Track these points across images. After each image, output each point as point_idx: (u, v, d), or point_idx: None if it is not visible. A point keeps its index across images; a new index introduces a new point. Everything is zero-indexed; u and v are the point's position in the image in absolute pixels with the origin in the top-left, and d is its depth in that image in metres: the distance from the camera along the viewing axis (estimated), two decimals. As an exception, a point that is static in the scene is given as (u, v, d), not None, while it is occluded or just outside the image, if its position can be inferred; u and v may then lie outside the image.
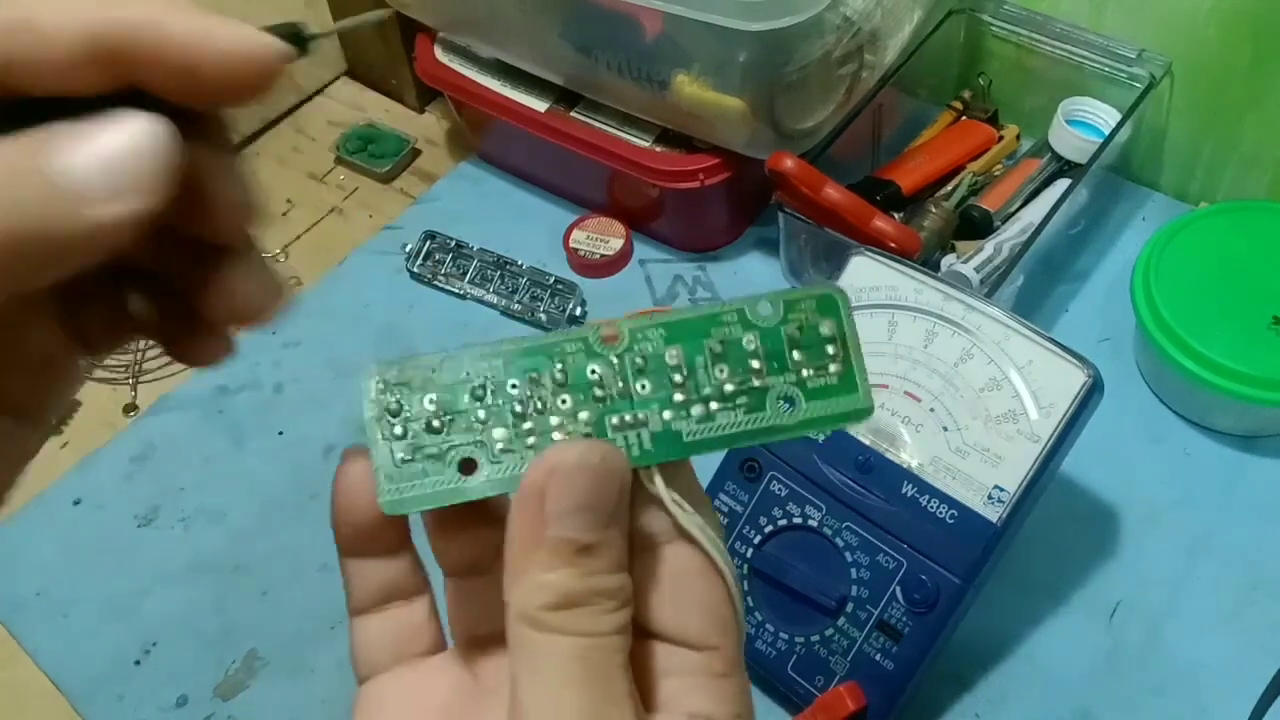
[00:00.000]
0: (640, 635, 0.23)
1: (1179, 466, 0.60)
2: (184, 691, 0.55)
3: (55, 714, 0.55)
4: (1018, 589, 0.55)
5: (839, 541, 0.50)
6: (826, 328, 0.24)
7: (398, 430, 0.23)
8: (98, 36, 0.18)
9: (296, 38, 0.21)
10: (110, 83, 0.19)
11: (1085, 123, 0.70)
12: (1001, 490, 0.48)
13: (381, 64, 0.83)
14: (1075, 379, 0.48)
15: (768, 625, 0.51)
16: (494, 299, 0.70)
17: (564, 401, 0.23)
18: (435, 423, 0.23)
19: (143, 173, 0.18)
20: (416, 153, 0.81)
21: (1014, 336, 0.49)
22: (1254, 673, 0.50)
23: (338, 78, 0.87)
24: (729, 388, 0.24)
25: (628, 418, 0.23)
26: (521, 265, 0.71)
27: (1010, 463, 0.48)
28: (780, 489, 0.51)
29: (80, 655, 0.57)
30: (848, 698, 0.48)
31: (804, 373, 0.24)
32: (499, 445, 0.23)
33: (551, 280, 0.70)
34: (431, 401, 0.23)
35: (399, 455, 0.23)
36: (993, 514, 0.47)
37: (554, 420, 0.23)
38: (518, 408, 0.23)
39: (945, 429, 0.49)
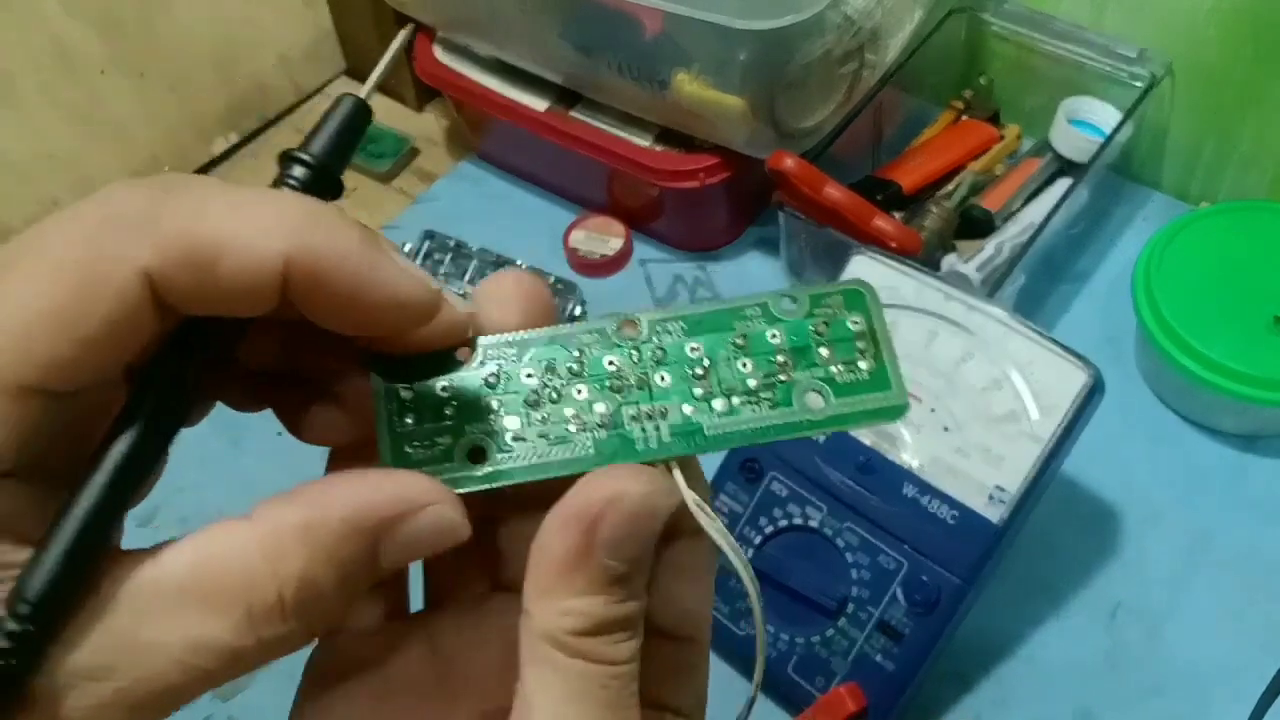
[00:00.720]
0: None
1: (1179, 466, 0.60)
2: (183, 692, 0.55)
3: (54, 714, 0.55)
4: (1018, 589, 0.55)
5: (840, 542, 0.50)
6: (855, 323, 0.23)
7: (408, 419, 0.22)
8: (285, 267, 0.18)
9: None
10: (268, 307, 0.19)
11: (1086, 122, 0.70)
12: (1002, 490, 0.48)
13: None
14: (1076, 379, 0.48)
15: (768, 626, 0.51)
16: (493, 298, 0.70)
17: (579, 392, 0.22)
18: (446, 410, 0.22)
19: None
20: (416, 152, 0.81)
21: (1015, 336, 0.49)
22: (1254, 673, 0.50)
23: (337, 77, 0.87)
24: (753, 382, 0.23)
25: (645, 409, 0.22)
26: (521, 265, 0.71)
27: (1011, 463, 0.48)
28: (781, 490, 0.51)
29: (79, 655, 0.56)
30: (848, 698, 0.48)
31: (832, 368, 0.23)
32: (510, 434, 0.22)
33: (551, 280, 0.70)
34: (444, 389, 0.22)
35: (407, 443, 0.22)
36: (994, 514, 0.47)
37: (569, 411, 0.22)
38: (532, 397, 0.22)
39: (946, 429, 0.49)
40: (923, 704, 0.52)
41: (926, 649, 0.48)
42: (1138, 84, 0.67)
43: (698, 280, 0.72)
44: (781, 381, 0.23)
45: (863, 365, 0.23)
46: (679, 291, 0.71)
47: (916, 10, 0.68)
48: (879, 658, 0.48)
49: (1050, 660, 0.54)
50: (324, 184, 0.22)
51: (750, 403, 0.23)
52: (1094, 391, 0.48)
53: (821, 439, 0.51)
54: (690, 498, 0.22)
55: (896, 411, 0.23)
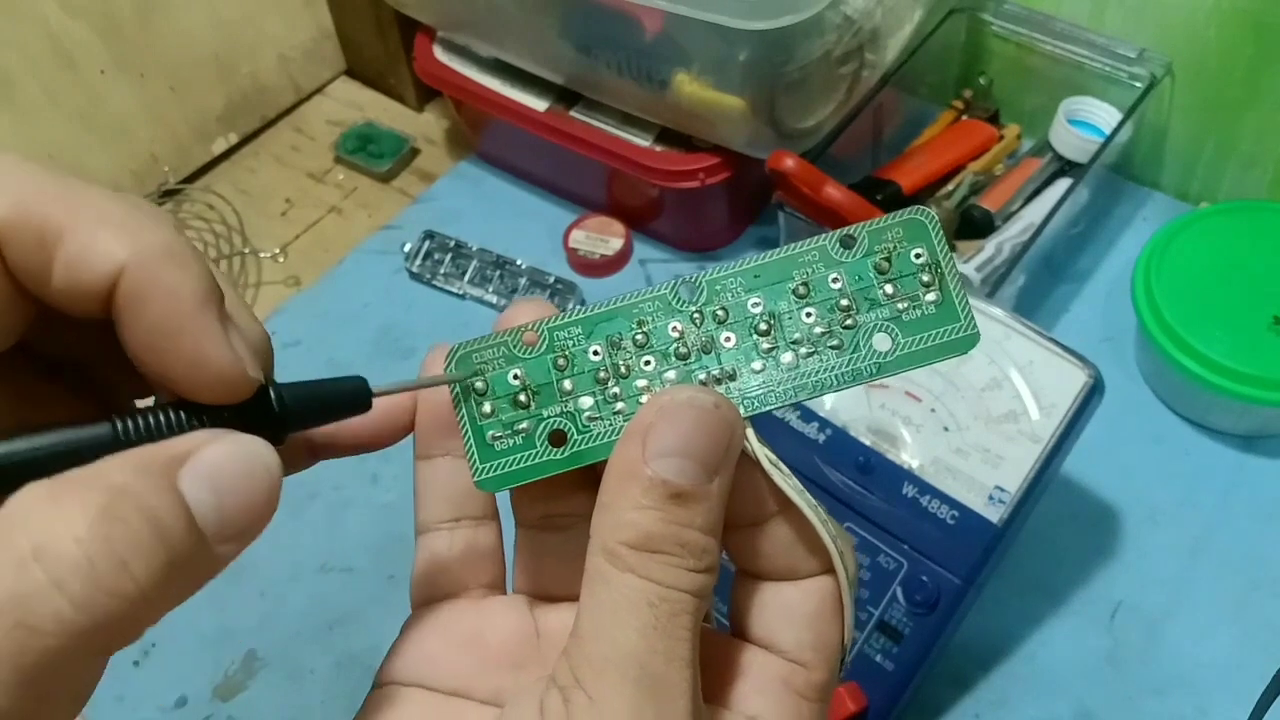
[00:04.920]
0: (733, 633, 0.23)
1: (1179, 466, 0.60)
2: (183, 692, 0.55)
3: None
4: (1018, 589, 0.55)
5: (839, 542, 0.50)
6: (918, 255, 0.22)
7: (485, 408, 0.23)
8: (117, 276, 0.18)
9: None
10: (91, 310, 0.19)
11: (1086, 122, 0.70)
12: (1002, 490, 0.48)
13: (380, 63, 0.83)
14: (1076, 379, 0.48)
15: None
16: (493, 299, 0.70)
17: (648, 363, 0.22)
18: (522, 397, 0.22)
19: (259, 507, 0.18)
20: (415, 152, 0.81)
21: (1015, 336, 0.49)
22: (1254, 673, 0.50)
23: (336, 77, 0.87)
24: (818, 330, 0.22)
25: (715, 372, 0.22)
26: (521, 265, 0.71)
27: (1011, 463, 0.48)
28: (780, 489, 0.51)
29: (79, 655, 0.57)
30: (848, 698, 0.48)
31: (898, 305, 0.22)
32: (586, 414, 0.22)
33: (551, 280, 0.70)
34: (516, 377, 0.23)
35: (489, 433, 0.23)
36: (994, 514, 0.47)
37: (640, 383, 0.22)
38: (602, 374, 0.22)
39: (946, 429, 0.49)
40: (923, 704, 0.52)
41: (926, 649, 0.48)
42: (1138, 84, 0.67)
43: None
44: (847, 327, 0.22)
45: (929, 298, 0.22)
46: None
47: (916, 10, 0.68)
48: (879, 658, 0.48)
49: (1050, 660, 0.54)
50: (267, 419, 0.20)
51: (817, 352, 0.22)
52: (1094, 391, 0.48)
53: (828, 438, 0.51)
54: (762, 453, 0.21)
55: (968, 343, 0.22)
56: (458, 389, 0.23)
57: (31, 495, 0.16)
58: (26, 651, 0.15)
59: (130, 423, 0.19)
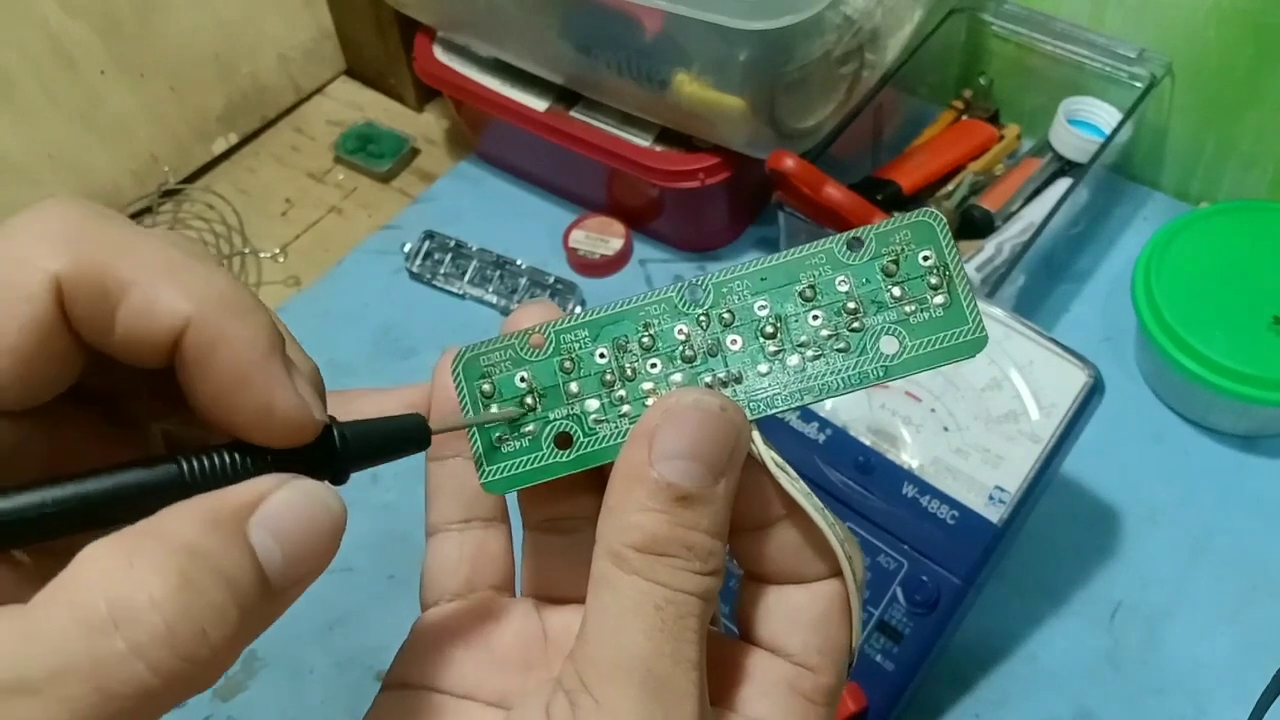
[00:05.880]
0: (741, 637, 0.22)
1: (1179, 466, 0.60)
2: (183, 692, 0.55)
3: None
4: (1018, 589, 0.55)
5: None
6: (926, 257, 0.22)
7: (492, 410, 0.23)
8: (184, 330, 0.18)
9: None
10: (157, 362, 0.19)
11: (1086, 122, 0.70)
12: (1002, 491, 0.48)
13: (380, 63, 0.83)
14: (1076, 379, 0.48)
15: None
16: (493, 299, 0.70)
17: (654, 366, 0.22)
18: (528, 400, 0.23)
19: (324, 551, 0.19)
20: (415, 152, 0.81)
21: (1015, 336, 0.49)
22: (1254, 673, 0.50)
23: (336, 77, 0.87)
24: (825, 333, 0.22)
25: (721, 375, 0.22)
26: (521, 265, 0.71)
27: (1011, 463, 0.48)
28: (780, 489, 0.51)
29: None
30: (848, 698, 0.48)
31: (905, 308, 0.22)
32: (592, 417, 0.22)
33: (551, 280, 0.70)
34: (522, 380, 0.23)
35: (495, 435, 0.23)
36: (994, 514, 0.47)
37: (646, 386, 0.22)
38: (608, 377, 0.22)
39: (946, 429, 0.49)
40: (922, 704, 0.52)
41: (926, 649, 0.48)
42: (1138, 84, 0.67)
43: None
44: (854, 330, 0.22)
45: (937, 301, 0.22)
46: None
47: (916, 10, 0.68)
48: (879, 658, 0.48)
49: (1050, 660, 0.54)
50: (330, 459, 0.20)
51: (824, 355, 0.22)
52: (1094, 391, 0.48)
53: (824, 437, 0.51)
54: (768, 455, 0.21)
55: (976, 346, 0.22)
56: (464, 389, 0.23)
57: (104, 554, 0.16)
58: (104, 714, 0.16)
59: (196, 464, 0.19)
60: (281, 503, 0.18)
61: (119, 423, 0.22)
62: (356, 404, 0.22)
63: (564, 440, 0.22)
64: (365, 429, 0.21)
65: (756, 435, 0.21)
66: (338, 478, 0.20)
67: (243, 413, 0.19)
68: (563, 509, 0.24)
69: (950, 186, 0.70)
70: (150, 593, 0.16)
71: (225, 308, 0.18)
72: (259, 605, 0.18)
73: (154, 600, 0.16)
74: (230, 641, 0.17)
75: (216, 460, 0.19)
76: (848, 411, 0.51)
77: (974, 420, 0.49)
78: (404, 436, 0.21)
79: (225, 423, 0.19)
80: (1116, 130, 0.66)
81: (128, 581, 0.16)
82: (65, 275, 0.18)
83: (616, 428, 0.22)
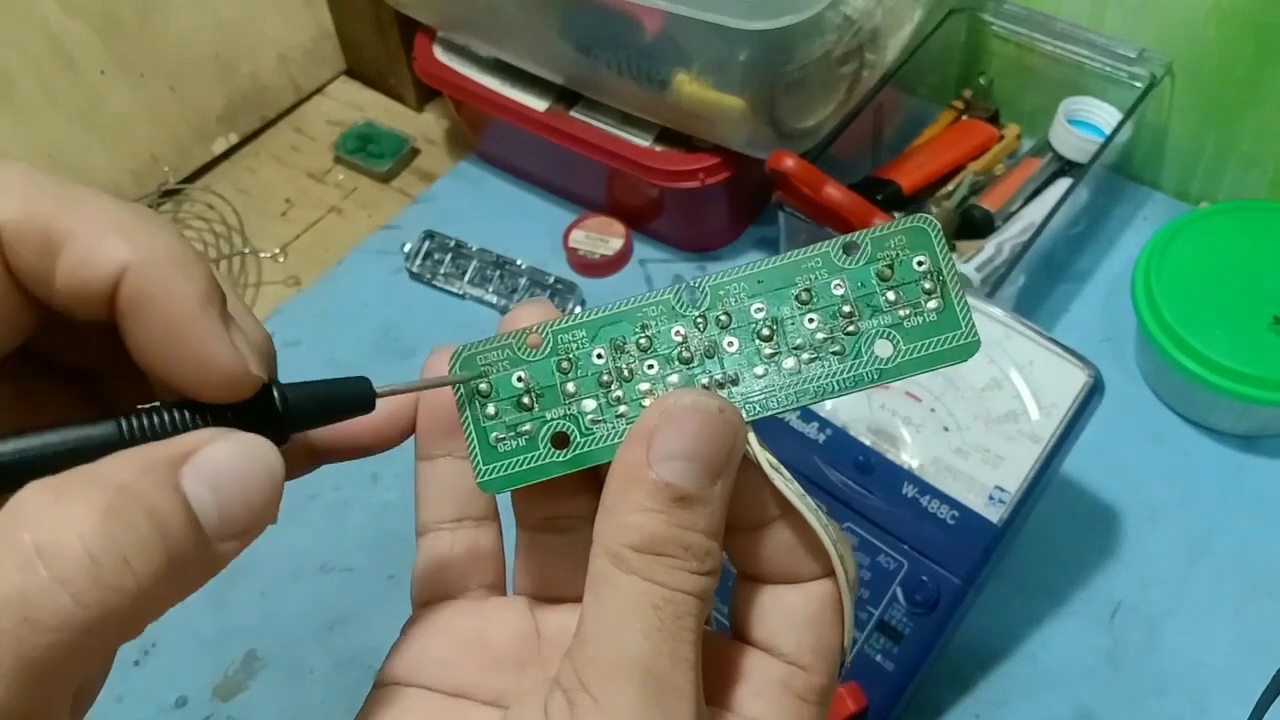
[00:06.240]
0: (735, 637, 0.23)
1: (1179, 466, 0.60)
2: (183, 692, 0.55)
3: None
4: (1018, 589, 0.55)
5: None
6: (920, 262, 0.23)
7: (489, 410, 0.23)
8: (120, 277, 0.18)
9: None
10: (95, 313, 0.19)
11: (1086, 122, 0.70)
12: (1002, 491, 0.48)
13: (380, 63, 0.83)
14: (1076, 379, 0.48)
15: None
16: (493, 299, 0.70)
17: (651, 367, 0.22)
18: (525, 399, 0.23)
19: (260, 506, 0.18)
20: (415, 152, 0.81)
21: (1015, 336, 0.49)
22: (1254, 673, 0.50)
23: (336, 77, 0.87)
24: (820, 336, 0.22)
25: (717, 376, 0.22)
26: (521, 265, 0.71)
27: (1011, 463, 0.48)
28: (780, 489, 0.51)
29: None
30: (848, 699, 0.48)
31: (900, 312, 0.22)
32: (589, 417, 0.22)
33: (551, 280, 0.70)
34: (520, 379, 0.23)
35: (492, 435, 0.23)
36: (994, 514, 0.47)
37: (643, 386, 0.22)
38: (605, 377, 0.23)
39: (946, 429, 0.49)
40: (923, 704, 0.52)
41: (926, 649, 0.48)
42: (1138, 84, 0.67)
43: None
44: (849, 333, 0.22)
45: (930, 305, 0.22)
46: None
47: (916, 10, 0.68)
48: (879, 658, 0.48)
49: (1050, 660, 0.54)
50: (270, 419, 0.20)
51: (819, 358, 0.22)
52: (1094, 391, 0.48)
53: (823, 439, 0.51)
54: (762, 456, 0.22)
55: (968, 351, 0.22)
56: (462, 391, 0.23)
57: (35, 492, 0.17)
58: (30, 646, 0.16)
59: (135, 422, 0.19)
60: (217, 452, 0.18)
61: (94, 403, 0.22)
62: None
63: (561, 440, 0.23)
64: (307, 389, 0.21)
65: (752, 436, 0.22)
66: (279, 438, 0.20)
67: (180, 365, 0.19)
68: (559, 508, 0.24)
69: (950, 186, 0.70)
70: (77, 526, 0.16)
71: (164, 258, 0.18)
72: (191, 551, 0.17)
73: (79, 532, 0.16)
74: (158, 579, 0.17)
75: (156, 419, 0.19)
76: (848, 411, 0.51)
77: (974, 420, 0.49)
78: (348, 399, 0.21)
79: (165, 377, 0.19)
80: (1116, 130, 0.66)
81: (54, 515, 0.16)
82: (7, 223, 0.18)
83: (613, 428, 0.22)
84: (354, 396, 0.21)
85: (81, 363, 0.22)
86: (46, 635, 0.16)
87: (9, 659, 0.15)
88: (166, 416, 0.19)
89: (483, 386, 0.23)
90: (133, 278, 0.18)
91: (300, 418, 0.20)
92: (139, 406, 0.19)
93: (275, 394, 0.20)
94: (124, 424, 0.19)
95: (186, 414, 0.19)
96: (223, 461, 0.18)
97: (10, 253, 0.18)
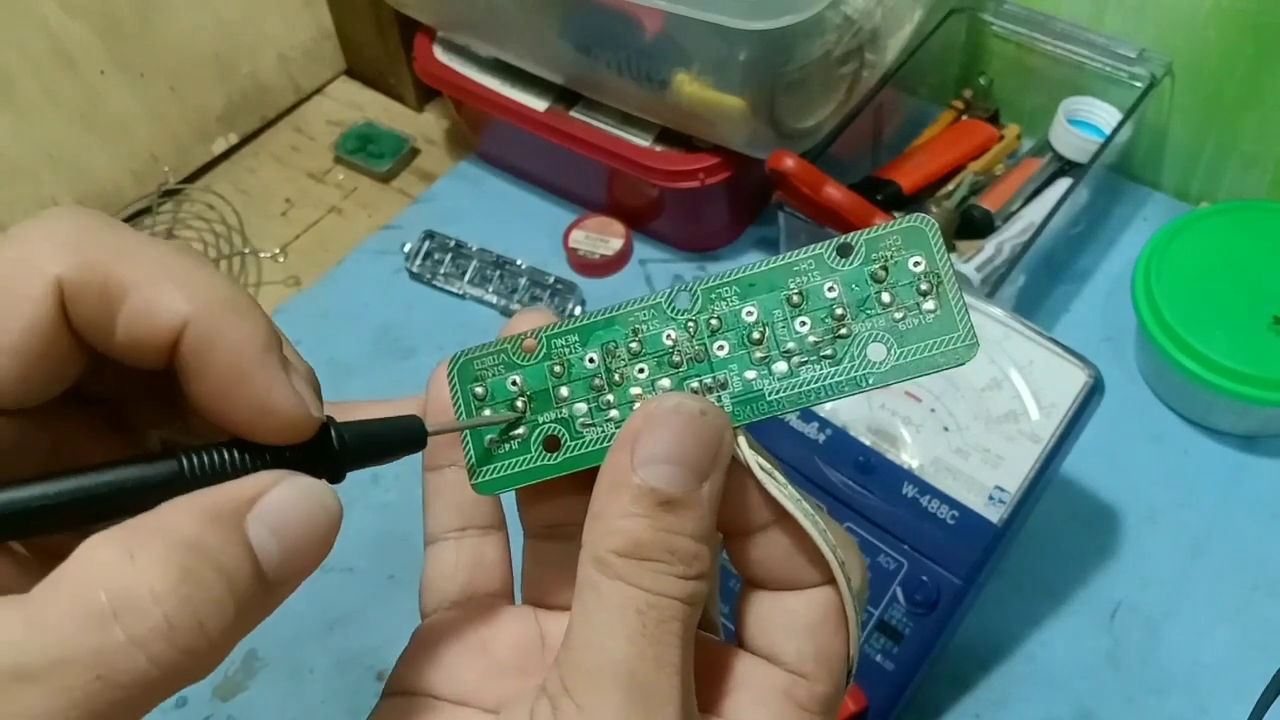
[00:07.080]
0: (737, 643, 0.22)
1: (1179, 466, 0.60)
2: (183, 692, 0.55)
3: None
4: (1018, 589, 0.55)
5: (839, 542, 0.50)
6: (916, 263, 0.22)
7: (484, 414, 0.23)
8: (182, 330, 0.19)
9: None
10: (156, 363, 0.19)
11: (1086, 122, 0.70)
12: (1002, 491, 0.48)
13: (380, 63, 0.83)
14: (1076, 379, 0.48)
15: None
16: (493, 299, 0.70)
17: (641, 371, 0.22)
18: (519, 403, 0.23)
19: (319, 548, 0.19)
20: (415, 152, 0.81)
21: (1015, 336, 0.49)
22: (1254, 673, 0.50)
23: (336, 77, 0.87)
24: (812, 340, 0.22)
25: (707, 380, 0.22)
26: (521, 265, 0.71)
27: (1011, 463, 0.48)
28: (780, 489, 0.51)
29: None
30: (848, 699, 0.48)
31: (895, 315, 0.22)
32: (580, 420, 0.23)
33: (551, 280, 0.70)
34: (514, 384, 0.23)
35: (486, 438, 0.23)
36: (994, 514, 0.47)
37: (634, 391, 0.22)
38: (597, 381, 0.23)
39: (946, 429, 0.49)
40: (923, 704, 0.52)
41: (926, 649, 0.48)
42: (1138, 84, 0.67)
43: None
44: (840, 336, 0.22)
45: (927, 307, 0.22)
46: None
47: (916, 10, 0.68)
48: (879, 658, 0.48)
49: (1050, 660, 0.54)
50: (327, 458, 0.21)
51: (811, 362, 0.22)
52: (1094, 391, 0.48)
53: (822, 439, 0.51)
54: (754, 461, 0.21)
55: (966, 353, 0.22)
56: (459, 395, 0.23)
57: (106, 547, 0.17)
58: (102, 702, 0.16)
59: (195, 460, 0.19)
60: (280, 498, 0.18)
61: (120, 428, 0.22)
62: (353, 414, 0.22)
63: (552, 443, 0.23)
64: (363, 429, 0.21)
65: (742, 440, 0.21)
66: (335, 476, 0.20)
67: (241, 410, 0.19)
68: (560, 515, 0.24)
69: (950, 186, 0.70)
70: (151, 586, 0.16)
71: (224, 308, 0.19)
72: (255, 599, 0.18)
73: (154, 593, 0.16)
74: (227, 634, 0.17)
75: (215, 457, 0.19)
76: (848, 411, 0.51)
77: (974, 420, 0.49)
78: (401, 437, 0.22)
79: (224, 420, 0.19)
80: (1116, 130, 0.66)
81: (129, 574, 0.16)
82: (67, 278, 0.18)
83: (603, 431, 0.22)
84: (406, 435, 0.22)
85: (104, 391, 0.22)
86: (119, 692, 0.16)
87: (78, 713, 0.16)
88: (227, 456, 0.19)
89: (478, 390, 0.23)
90: (195, 327, 0.18)
91: (356, 457, 0.21)
92: (201, 445, 0.19)
93: (333, 435, 0.20)
94: (184, 462, 0.19)
95: (247, 456, 0.19)
96: (287, 507, 0.18)
97: (69, 305, 0.18)
